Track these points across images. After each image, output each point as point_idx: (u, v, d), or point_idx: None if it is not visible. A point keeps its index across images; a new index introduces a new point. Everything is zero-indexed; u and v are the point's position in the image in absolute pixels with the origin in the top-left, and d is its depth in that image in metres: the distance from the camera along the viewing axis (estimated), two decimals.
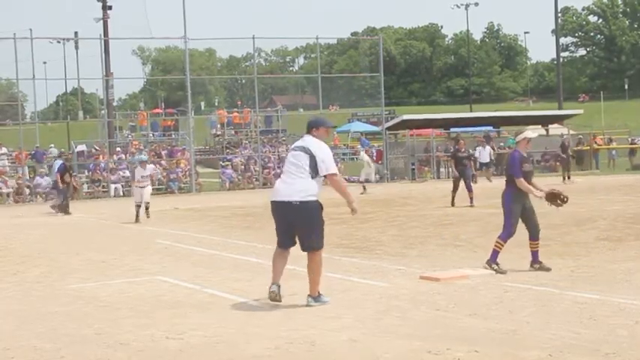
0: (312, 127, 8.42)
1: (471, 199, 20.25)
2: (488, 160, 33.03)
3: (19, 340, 7.11)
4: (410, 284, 9.28)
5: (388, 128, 38.01)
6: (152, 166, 22.77)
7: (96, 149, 36.34)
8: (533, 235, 10.04)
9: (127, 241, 15.53)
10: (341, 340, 6.69)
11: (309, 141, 8.32)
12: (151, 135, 44.56)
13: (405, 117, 41.22)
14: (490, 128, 41.36)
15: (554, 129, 41.63)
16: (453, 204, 20.28)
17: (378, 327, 7.15)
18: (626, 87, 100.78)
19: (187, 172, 33.90)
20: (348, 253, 12.26)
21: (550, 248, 11.86)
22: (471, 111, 62.67)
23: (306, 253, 8.22)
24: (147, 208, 20.02)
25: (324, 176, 8.16)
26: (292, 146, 8.60)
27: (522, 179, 9.91)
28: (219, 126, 46.06)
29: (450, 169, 25.72)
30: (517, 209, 9.93)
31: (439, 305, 8.01)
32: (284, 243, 8.30)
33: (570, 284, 8.93)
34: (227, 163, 36.14)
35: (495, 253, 9.95)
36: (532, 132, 10.70)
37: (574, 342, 6.41)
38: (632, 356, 5.96)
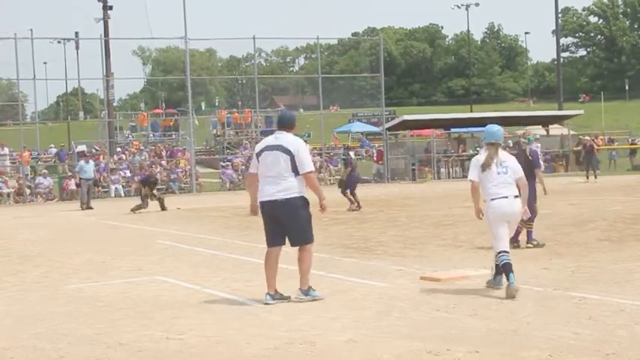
0: (294, 122, 8.59)
1: None
2: None
3: (18, 340, 7.11)
4: (410, 284, 9.28)
5: (388, 129, 37.99)
6: None
7: (96, 149, 36.34)
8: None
9: (127, 241, 15.52)
10: (341, 341, 6.69)
11: (287, 139, 8.38)
12: (152, 135, 44.56)
13: (406, 117, 41.18)
14: None
15: (555, 129, 41.65)
16: None
17: (378, 327, 7.14)
18: (627, 87, 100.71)
19: (188, 172, 33.93)
20: (348, 254, 12.26)
21: (550, 249, 11.88)
22: (472, 111, 62.57)
23: (296, 248, 8.50)
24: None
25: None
26: (264, 144, 8.52)
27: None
28: (219, 126, 46.09)
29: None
30: None
31: (439, 305, 8.00)
32: (273, 241, 8.47)
33: (570, 284, 8.92)
34: (227, 163, 36.16)
35: (530, 233, 12.05)
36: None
37: (574, 342, 6.41)
38: (632, 356, 5.96)
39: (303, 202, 8.34)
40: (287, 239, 8.47)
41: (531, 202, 12.01)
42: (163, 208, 22.59)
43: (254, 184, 8.63)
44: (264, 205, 8.39)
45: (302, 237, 8.39)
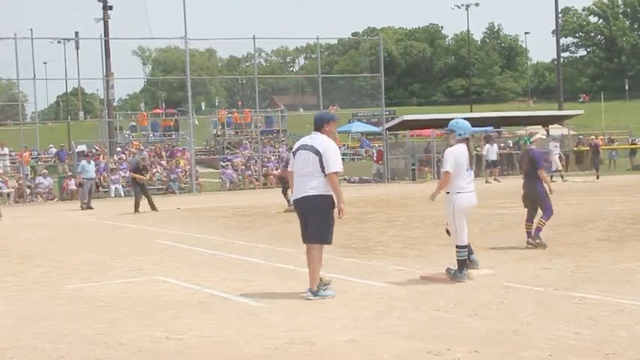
0: (324, 123, 8.76)
1: None
2: (495, 157, 32.68)
3: (18, 340, 7.11)
4: (410, 284, 9.28)
5: (388, 129, 37.99)
6: None
7: (96, 149, 36.34)
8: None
9: (127, 241, 15.52)
10: (341, 341, 6.69)
11: (320, 140, 8.62)
12: (152, 135, 44.54)
13: (406, 117, 41.19)
14: (491, 128, 41.34)
15: (555, 129, 41.67)
16: None
17: (378, 327, 7.14)
18: (627, 87, 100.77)
19: (188, 172, 33.92)
20: (348, 254, 12.26)
21: (550, 249, 11.87)
22: (472, 111, 62.61)
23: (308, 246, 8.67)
24: None
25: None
26: (300, 143, 8.82)
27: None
28: (219, 126, 46.09)
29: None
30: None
31: (439, 305, 8.00)
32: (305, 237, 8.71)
33: (570, 284, 8.92)
34: (227, 163, 36.15)
35: (538, 230, 11.88)
36: (541, 134, 13.47)
37: (574, 342, 6.41)
38: (632, 356, 5.96)
39: (329, 201, 8.51)
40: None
41: (545, 200, 12.10)
42: (153, 208, 22.50)
43: (293, 181, 8.90)
44: (295, 203, 8.74)
45: (316, 235, 8.54)
